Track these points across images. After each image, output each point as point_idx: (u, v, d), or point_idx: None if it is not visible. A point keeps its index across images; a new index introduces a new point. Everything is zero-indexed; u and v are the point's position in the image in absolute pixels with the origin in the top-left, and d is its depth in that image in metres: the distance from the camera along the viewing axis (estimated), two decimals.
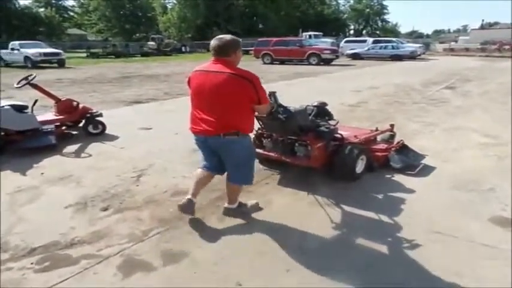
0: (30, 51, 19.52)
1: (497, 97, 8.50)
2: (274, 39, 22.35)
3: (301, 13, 59.39)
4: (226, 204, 2.85)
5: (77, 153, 4.47)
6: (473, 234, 2.57)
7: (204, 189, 3.36)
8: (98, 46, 38.93)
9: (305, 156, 3.37)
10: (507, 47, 33.62)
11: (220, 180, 3.49)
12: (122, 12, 55.65)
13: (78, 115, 5.17)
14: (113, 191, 3.34)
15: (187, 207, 2.66)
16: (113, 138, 5.14)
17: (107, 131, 5.39)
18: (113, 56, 32.43)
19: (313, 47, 21.15)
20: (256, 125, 3.12)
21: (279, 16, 52.69)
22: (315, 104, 3.65)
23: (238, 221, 2.80)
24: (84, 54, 32.99)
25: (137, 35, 58.08)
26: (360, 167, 3.46)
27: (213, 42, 2.43)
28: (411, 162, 3.79)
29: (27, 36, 32.00)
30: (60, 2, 63.07)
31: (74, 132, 5.27)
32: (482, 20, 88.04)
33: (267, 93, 2.69)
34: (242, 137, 2.50)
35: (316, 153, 3.28)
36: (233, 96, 2.37)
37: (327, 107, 3.74)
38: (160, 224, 2.75)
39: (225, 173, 2.80)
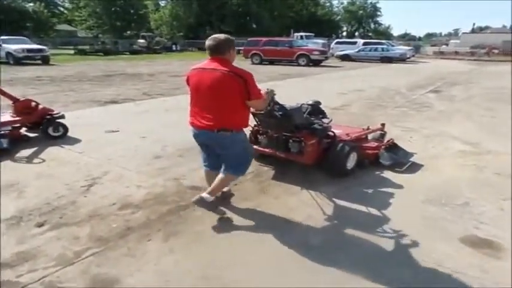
0: (13, 47, 18.94)
1: (482, 102, 8.34)
2: (264, 39, 22.08)
3: (294, 13, 59.25)
4: (203, 194, 2.67)
5: (30, 159, 4.15)
6: (442, 257, 2.34)
7: (156, 201, 3.12)
8: (88, 43, 38.25)
9: (299, 152, 3.51)
10: (496, 51, 33.95)
11: (173, 193, 3.26)
12: (113, 9, 54.79)
13: (37, 116, 4.84)
14: (55, 203, 3.04)
15: (202, 203, 2.67)
16: (73, 141, 4.82)
17: (70, 134, 5.06)
18: (101, 54, 32.04)
19: (302, 47, 20.93)
20: (252, 121, 3.16)
21: (273, 16, 52.48)
22: (310, 102, 3.77)
23: (185, 238, 2.54)
24: (73, 51, 32.40)
25: (128, 32, 57.36)
26: (350, 163, 3.63)
27: (208, 42, 2.51)
28: (400, 159, 3.97)
29: (14, 31, 31.17)
30: None
31: (32, 135, 4.93)
32: (473, 24, 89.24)
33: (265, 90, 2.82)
34: (236, 133, 2.58)
35: (309, 150, 3.44)
36: (226, 93, 2.45)
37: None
38: (98, 243, 2.47)
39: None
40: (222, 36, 2.54)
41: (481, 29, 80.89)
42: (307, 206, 3.06)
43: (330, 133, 3.62)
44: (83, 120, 6.05)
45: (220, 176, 2.72)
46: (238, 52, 24.27)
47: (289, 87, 10.93)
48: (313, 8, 64.68)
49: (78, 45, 35.88)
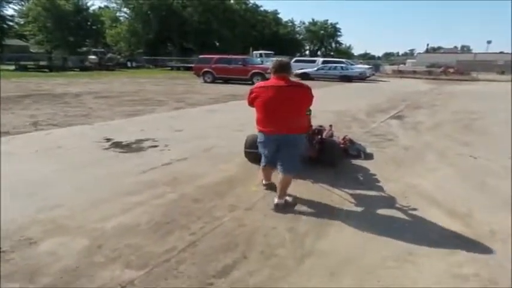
0: None
1: (454, 133, 6.93)
2: (216, 56, 20.41)
3: (257, 32, 58.91)
4: (276, 200, 3.22)
5: None
6: None
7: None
8: (40, 59, 35.07)
9: (309, 149, 4.13)
10: (451, 70, 34.68)
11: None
12: (65, 23, 51.55)
13: None
14: None
15: (271, 188, 3.56)
16: None
17: None
18: (46, 70, 29.37)
19: (257, 66, 19.42)
20: None
21: (234, 34, 51.53)
22: None
23: None
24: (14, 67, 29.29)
25: (84, 48, 54.19)
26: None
27: (276, 64, 3.14)
28: (360, 150, 5.04)
29: None
30: None
31: None
32: (427, 45, 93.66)
33: None
34: (303, 134, 3.31)
35: (316, 146, 4.37)
36: (299, 102, 3.13)
37: None
38: None
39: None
40: (285, 59, 3.48)
41: (434, 50, 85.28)
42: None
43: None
44: None
45: (282, 177, 3.20)
46: (191, 69, 22.66)
47: (226, 115, 9.09)
48: (275, 27, 64.78)
49: (19, 60, 32.50)
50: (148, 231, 2.74)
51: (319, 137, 4.52)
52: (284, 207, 3.18)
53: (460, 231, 2.83)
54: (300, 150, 3.26)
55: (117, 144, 5.47)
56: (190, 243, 2.57)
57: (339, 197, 3.54)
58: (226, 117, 8.36)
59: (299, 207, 3.27)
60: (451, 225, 2.93)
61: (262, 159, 3.45)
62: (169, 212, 3.10)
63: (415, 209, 3.26)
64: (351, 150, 4.98)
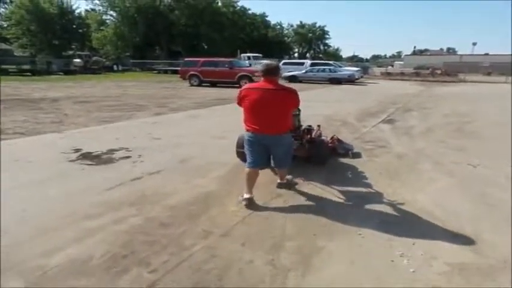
0: None
1: (447, 137, 6.61)
2: (202, 59, 19.95)
3: (245, 35, 58.63)
4: (279, 181, 3.77)
5: None
6: None
7: None
8: (23, 62, 34.09)
9: (299, 148, 4.41)
10: (438, 71, 34.94)
11: None
12: (49, 26, 50.43)
13: None
14: None
15: (251, 205, 3.30)
16: None
17: None
18: (29, 74, 28.59)
19: (244, 68, 19.01)
20: None
21: (223, 37, 51.08)
22: None
23: None
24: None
25: (69, 52, 53.09)
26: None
27: (265, 67, 3.23)
28: (348, 148, 5.20)
29: None
30: None
31: None
32: (414, 47, 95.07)
33: None
34: (289, 134, 3.45)
35: (306, 145, 4.55)
36: (285, 104, 3.23)
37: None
38: None
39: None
40: (274, 62, 3.47)
41: (421, 52, 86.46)
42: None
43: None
44: None
45: (282, 170, 3.66)
46: (177, 72, 22.18)
47: (210, 120, 8.65)
48: (263, 30, 64.55)
49: (11, 64, 31.54)
50: (99, 269, 2.28)
51: (309, 136, 4.68)
52: (287, 186, 3.73)
53: (467, 259, 2.45)
54: (290, 148, 3.51)
55: (85, 156, 4.97)
56: (148, 285, 2.12)
57: (331, 203, 3.46)
58: (210, 123, 7.91)
59: (287, 220, 2.85)
60: (456, 250, 2.54)
61: (248, 160, 3.41)
62: (130, 241, 2.64)
63: (414, 229, 2.87)
64: (339, 149, 5.11)
